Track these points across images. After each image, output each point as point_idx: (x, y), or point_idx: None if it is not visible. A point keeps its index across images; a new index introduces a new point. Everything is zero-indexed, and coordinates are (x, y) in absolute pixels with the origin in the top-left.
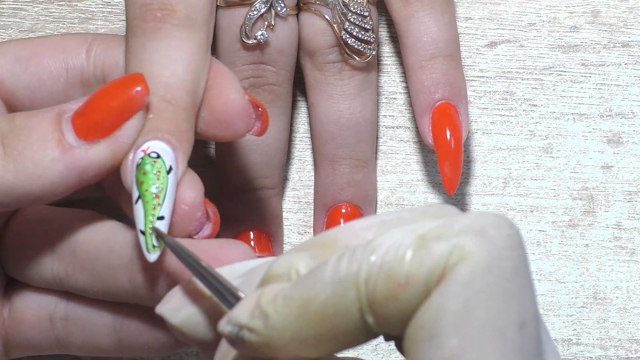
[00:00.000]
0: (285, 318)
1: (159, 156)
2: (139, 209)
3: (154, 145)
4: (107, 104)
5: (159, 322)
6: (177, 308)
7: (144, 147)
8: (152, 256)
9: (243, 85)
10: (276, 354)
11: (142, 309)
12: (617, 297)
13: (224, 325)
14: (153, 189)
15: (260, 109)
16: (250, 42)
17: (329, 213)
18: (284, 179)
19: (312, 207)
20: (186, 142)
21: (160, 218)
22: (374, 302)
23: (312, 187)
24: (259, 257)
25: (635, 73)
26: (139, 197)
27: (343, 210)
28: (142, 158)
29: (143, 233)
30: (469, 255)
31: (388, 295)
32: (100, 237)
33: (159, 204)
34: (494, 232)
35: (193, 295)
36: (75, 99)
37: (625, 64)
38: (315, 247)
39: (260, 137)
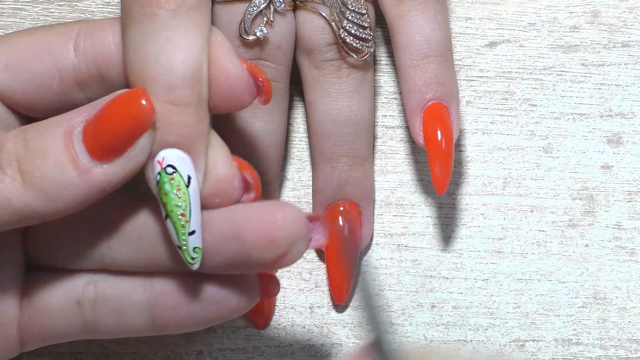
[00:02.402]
0: None
1: (175, 169)
2: (170, 226)
3: (169, 155)
4: (115, 127)
5: (194, 295)
6: None
7: (159, 157)
8: (195, 266)
9: None
10: None
11: (176, 283)
12: (617, 297)
13: None
14: (177, 210)
15: (260, 79)
16: (249, 38)
17: (327, 211)
18: (283, 178)
19: (312, 206)
20: (198, 138)
21: (192, 233)
22: None
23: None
24: (308, 217)
25: (635, 73)
26: (167, 215)
27: (341, 208)
28: (159, 174)
29: (180, 248)
30: None
31: None
32: (143, 211)
33: (187, 221)
34: None
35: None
36: (74, 97)
37: (625, 64)
38: None
39: (258, 133)
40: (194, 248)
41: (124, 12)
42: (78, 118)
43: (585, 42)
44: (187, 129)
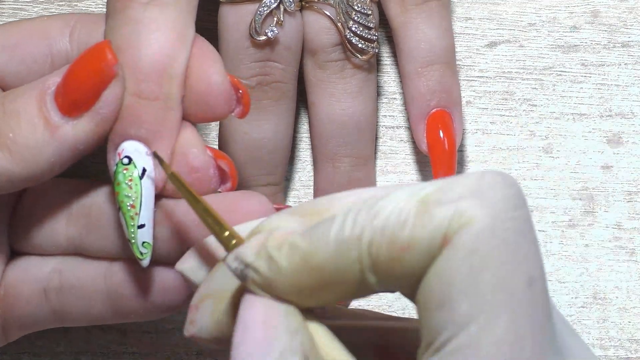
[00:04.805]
0: (288, 265)
1: (130, 161)
2: (121, 218)
3: (127, 147)
4: (81, 81)
5: (150, 286)
6: (198, 266)
7: (120, 149)
8: (144, 262)
9: (250, 84)
10: (277, 294)
11: (133, 272)
12: (617, 297)
13: (231, 261)
14: (127, 200)
15: (241, 91)
16: (260, 38)
17: None
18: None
19: None
20: (163, 133)
21: (141, 227)
22: (378, 264)
23: (312, 186)
24: (276, 208)
25: (635, 73)
26: (118, 206)
27: None
28: (116, 164)
29: (129, 241)
30: (471, 221)
31: (391, 258)
32: (104, 199)
33: (136, 214)
34: (493, 193)
35: (212, 253)
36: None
37: (625, 64)
38: (309, 215)
39: (265, 134)
40: (143, 243)
41: (107, 7)
42: (52, 79)
43: (585, 42)
44: (150, 124)
